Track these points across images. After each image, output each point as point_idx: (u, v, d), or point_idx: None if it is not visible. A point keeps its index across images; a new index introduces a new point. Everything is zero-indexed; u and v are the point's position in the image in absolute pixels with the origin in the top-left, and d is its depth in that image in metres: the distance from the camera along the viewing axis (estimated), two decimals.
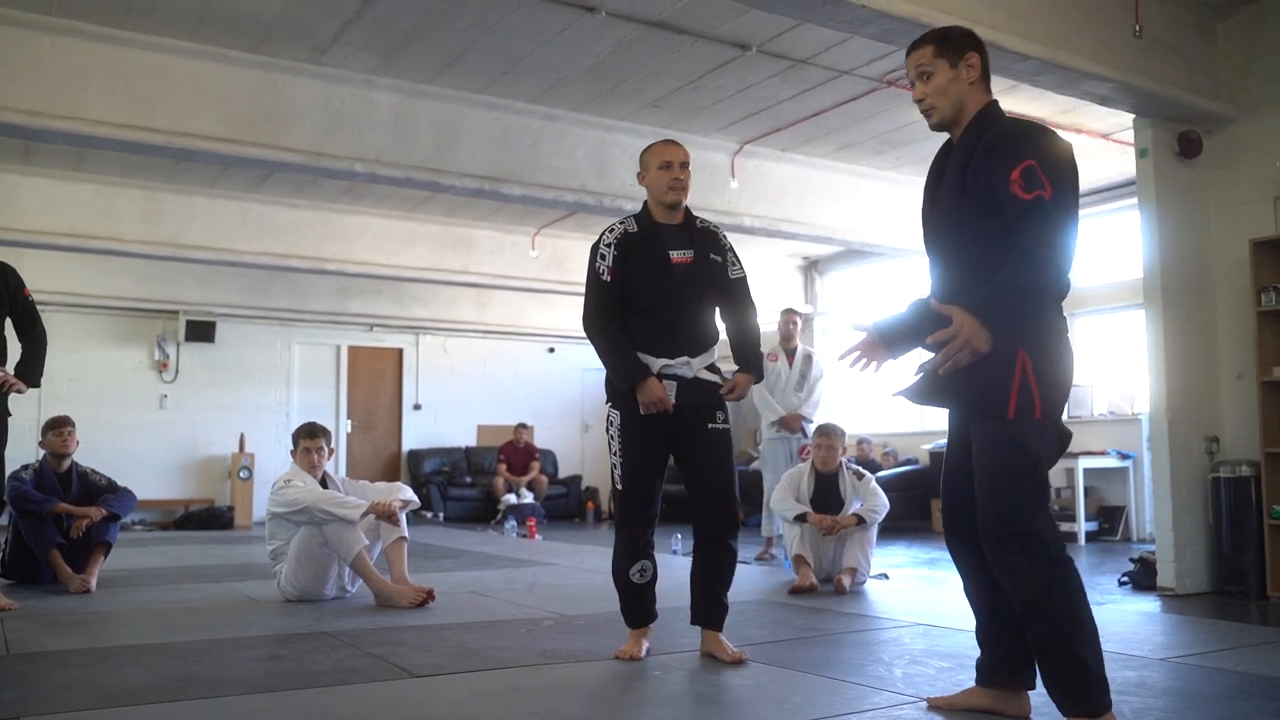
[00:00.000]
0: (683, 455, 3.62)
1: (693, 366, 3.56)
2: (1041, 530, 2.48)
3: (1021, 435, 2.50)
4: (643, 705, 3.03)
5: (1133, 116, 5.99)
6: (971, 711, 2.79)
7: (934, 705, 2.90)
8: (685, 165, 3.64)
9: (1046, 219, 2.45)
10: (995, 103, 2.73)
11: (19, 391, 4.76)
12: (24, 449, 7.02)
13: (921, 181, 9.85)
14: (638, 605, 3.65)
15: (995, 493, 2.53)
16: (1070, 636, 2.44)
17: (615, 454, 3.59)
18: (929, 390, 2.64)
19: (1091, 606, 2.51)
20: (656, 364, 3.53)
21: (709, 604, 3.63)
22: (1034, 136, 2.59)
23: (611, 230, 3.65)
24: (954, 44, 2.72)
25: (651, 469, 3.59)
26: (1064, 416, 2.70)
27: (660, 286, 3.57)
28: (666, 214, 3.66)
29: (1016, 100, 7.18)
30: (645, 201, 3.71)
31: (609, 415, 3.61)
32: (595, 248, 3.64)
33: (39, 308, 5.12)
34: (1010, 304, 2.47)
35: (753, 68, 6.70)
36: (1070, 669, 2.44)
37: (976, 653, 2.83)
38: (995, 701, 2.76)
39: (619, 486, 3.61)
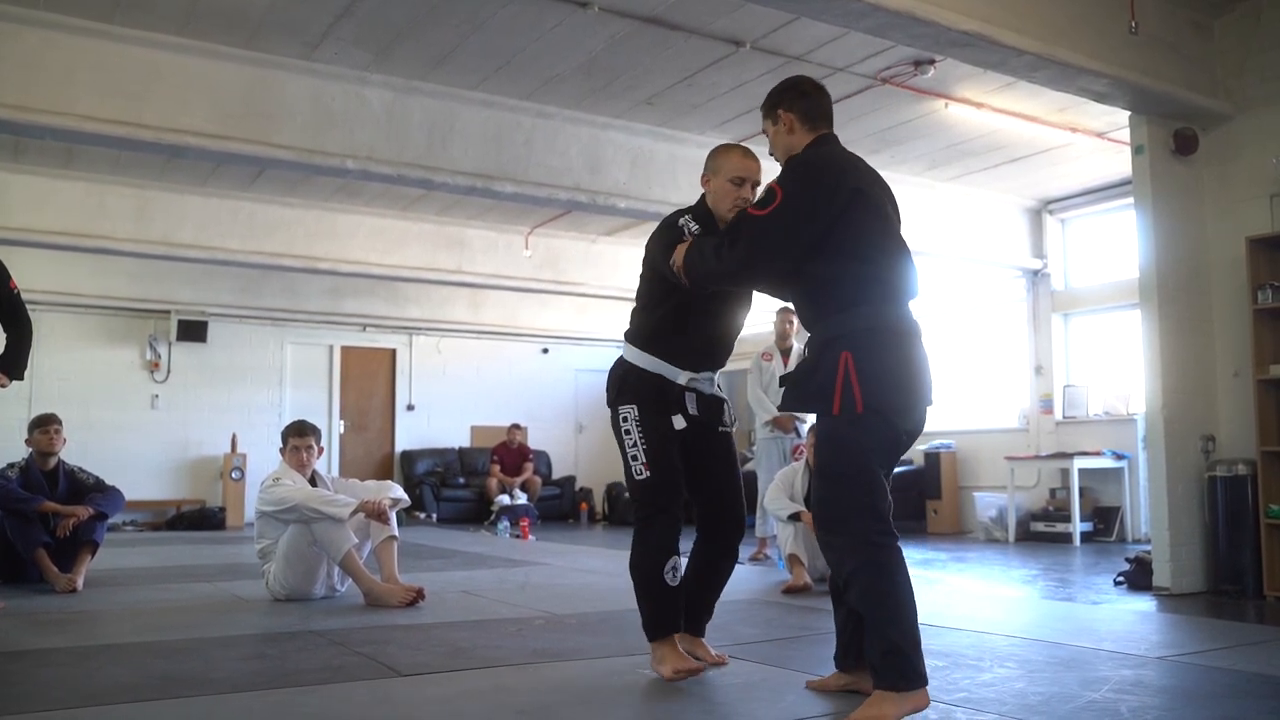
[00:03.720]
0: (697, 460, 3.42)
1: (713, 382, 3.46)
2: (857, 518, 2.69)
3: (843, 431, 2.74)
4: (633, 704, 2.98)
5: (1128, 114, 5.96)
6: (841, 691, 2.97)
7: (810, 686, 3.09)
8: (756, 185, 3.30)
9: (739, 225, 2.95)
10: (812, 140, 3.00)
11: (2, 385, 4.68)
12: (12, 447, 6.96)
13: (918, 180, 9.84)
14: (673, 608, 3.27)
15: (820, 484, 2.83)
16: (877, 615, 2.65)
17: (635, 445, 3.30)
18: (789, 399, 2.93)
19: (911, 589, 2.68)
20: (683, 376, 3.35)
21: (702, 612, 3.50)
22: (793, 160, 2.96)
23: (685, 216, 3.34)
24: (769, 106, 3.10)
25: (675, 456, 3.35)
26: (917, 410, 2.83)
27: (712, 300, 3.35)
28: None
29: (1012, 97, 7.16)
30: (703, 200, 3.38)
31: (621, 414, 3.36)
32: (672, 224, 3.32)
33: (30, 306, 5.04)
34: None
35: (746, 65, 6.66)
36: (876, 645, 2.63)
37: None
38: (855, 682, 2.94)
39: (645, 475, 3.26)
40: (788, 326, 7.43)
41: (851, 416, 2.70)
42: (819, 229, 2.79)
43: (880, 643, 2.62)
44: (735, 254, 2.90)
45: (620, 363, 3.45)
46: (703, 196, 3.39)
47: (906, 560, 2.75)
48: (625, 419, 3.35)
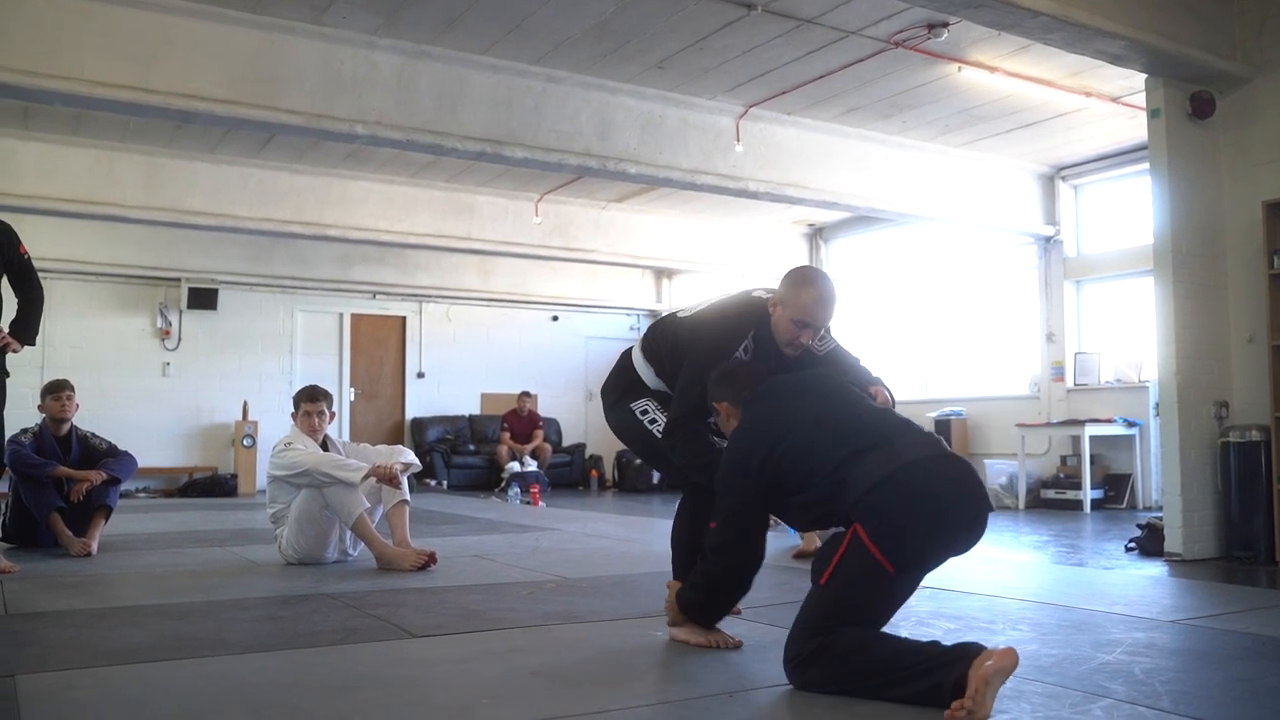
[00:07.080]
0: None
1: None
2: (811, 654, 2.51)
3: (831, 596, 2.54)
4: (646, 663, 2.98)
5: (1144, 77, 5.89)
6: None
7: None
8: (818, 333, 3.18)
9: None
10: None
11: (14, 350, 4.69)
12: (25, 414, 6.99)
13: (931, 146, 9.71)
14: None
15: (795, 628, 2.61)
16: (863, 684, 2.43)
17: (655, 411, 3.38)
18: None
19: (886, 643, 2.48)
20: None
21: None
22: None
23: (749, 337, 3.22)
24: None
25: None
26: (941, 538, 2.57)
27: None
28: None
29: (1026, 61, 7.08)
30: (773, 314, 3.20)
31: (640, 407, 3.40)
32: (731, 342, 3.20)
33: (41, 274, 5.03)
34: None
35: (758, 28, 6.60)
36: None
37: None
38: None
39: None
40: None
41: (879, 576, 2.51)
42: (758, 482, 2.75)
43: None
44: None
45: (630, 369, 3.48)
46: (773, 318, 3.21)
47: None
48: (646, 411, 3.39)
